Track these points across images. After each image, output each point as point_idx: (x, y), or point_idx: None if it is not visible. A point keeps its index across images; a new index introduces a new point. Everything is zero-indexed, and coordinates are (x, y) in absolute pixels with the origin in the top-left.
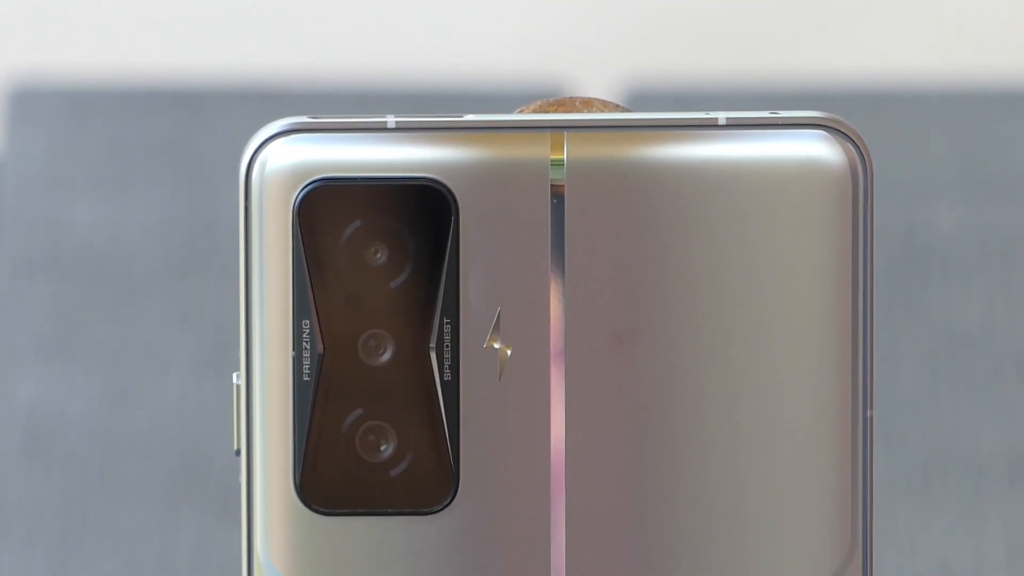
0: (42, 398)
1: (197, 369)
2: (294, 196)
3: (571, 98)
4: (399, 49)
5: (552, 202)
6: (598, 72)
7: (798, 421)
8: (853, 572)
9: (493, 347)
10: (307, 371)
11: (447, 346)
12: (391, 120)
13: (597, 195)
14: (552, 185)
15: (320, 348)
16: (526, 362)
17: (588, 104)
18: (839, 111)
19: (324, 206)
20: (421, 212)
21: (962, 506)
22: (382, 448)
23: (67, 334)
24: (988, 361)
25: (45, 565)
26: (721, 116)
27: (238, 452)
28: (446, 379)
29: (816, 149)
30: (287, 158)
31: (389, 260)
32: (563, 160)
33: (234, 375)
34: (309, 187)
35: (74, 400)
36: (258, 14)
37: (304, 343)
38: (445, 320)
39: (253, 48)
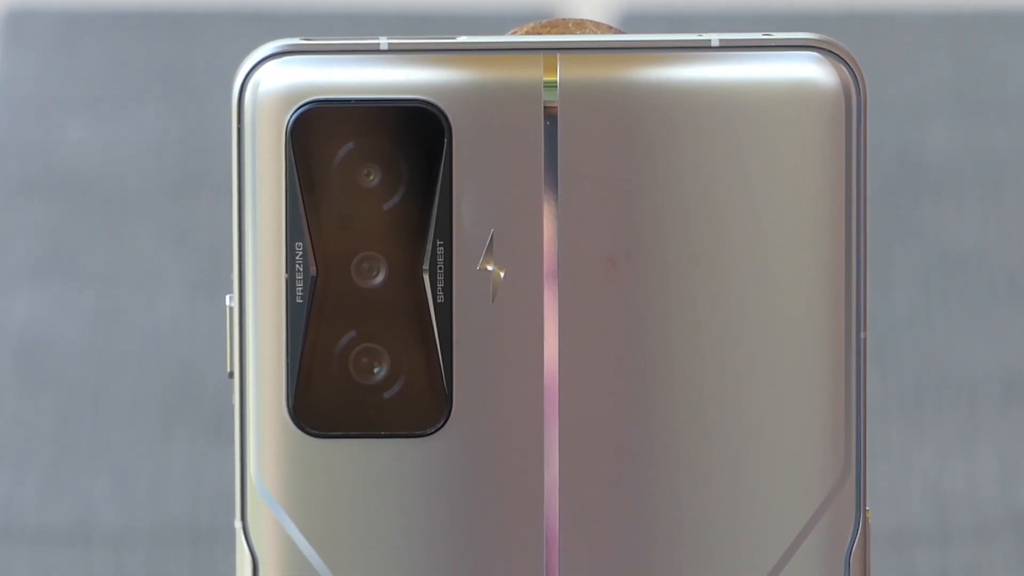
0: (34, 319)
1: (190, 290)
2: (287, 118)
3: (564, 20)
4: None
5: (545, 124)
6: None
7: (791, 343)
8: (846, 494)
9: (486, 269)
10: (300, 293)
11: (440, 268)
12: (384, 42)
13: (590, 117)
14: (545, 107)
15: (313, 270)
16: (519, 284)
17: (581, 26)
18: (832, 32)
19: (317, 128)
20: (414, 134)
21: (955, 426)
22: (375, 370)
23: (60, 255)
24: (981, 281)
25: (37, 487)
26: (714, 38)
27: (231, 374)
28: (439, 301)
29: (809, 70)
30: (280, 80)
31: (382, 182)
32: (556, 82)
33: (227, 297)
34: (302, 109)
35: (66, 321)
36: None
37: (297, 265)
38: (438, 242)
39: None
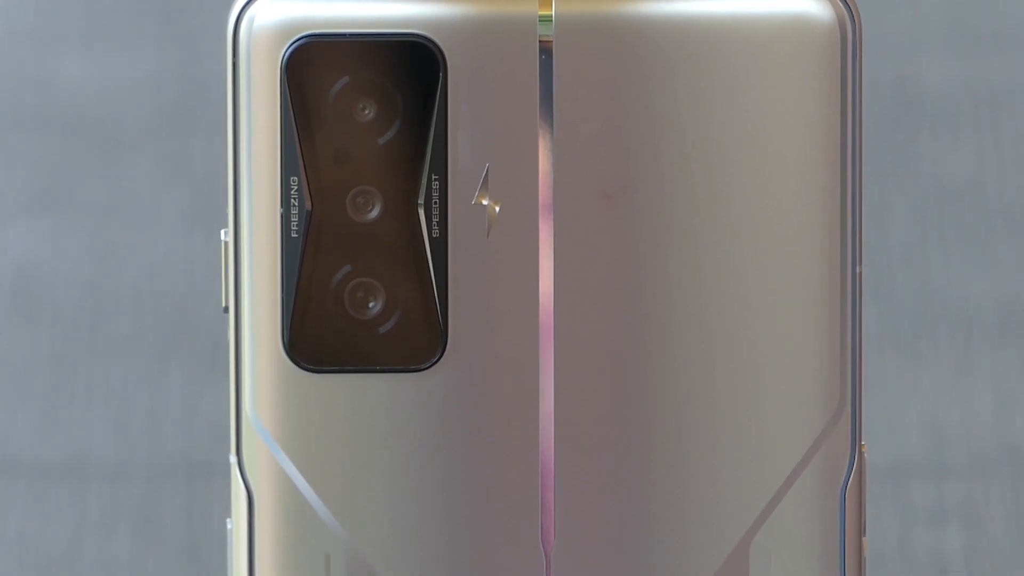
0: (30, 253)
1: (185, 224)
2: (282, 53)
3: None
4: None
5: (540, 58)
6: None
7: (786, 278)
8: (842, 428)
9: (481, 203)
10: (295, 228)
11: (435, 203)
12: None
13: (585, 50)
14: (540, 41)
15: (308, 205)
16: (514, 218)
17: None
18: None
19: (312, 62)
20: (409, 68)
21: (951, 360)
22: (370, 305)
23: (55, 189)
24: (977, 215)
25: (33, 421)
26: None
27: (226, 309)
28: (434, 236)
29: (805, 4)
30: (275, 15)
31: (377, 116)
32: (551, 16)
33: (222, 232)
34: (297, 43)
35: (62, 256)
36: None
37: (292, 200)
38: (433, 177)
39: None
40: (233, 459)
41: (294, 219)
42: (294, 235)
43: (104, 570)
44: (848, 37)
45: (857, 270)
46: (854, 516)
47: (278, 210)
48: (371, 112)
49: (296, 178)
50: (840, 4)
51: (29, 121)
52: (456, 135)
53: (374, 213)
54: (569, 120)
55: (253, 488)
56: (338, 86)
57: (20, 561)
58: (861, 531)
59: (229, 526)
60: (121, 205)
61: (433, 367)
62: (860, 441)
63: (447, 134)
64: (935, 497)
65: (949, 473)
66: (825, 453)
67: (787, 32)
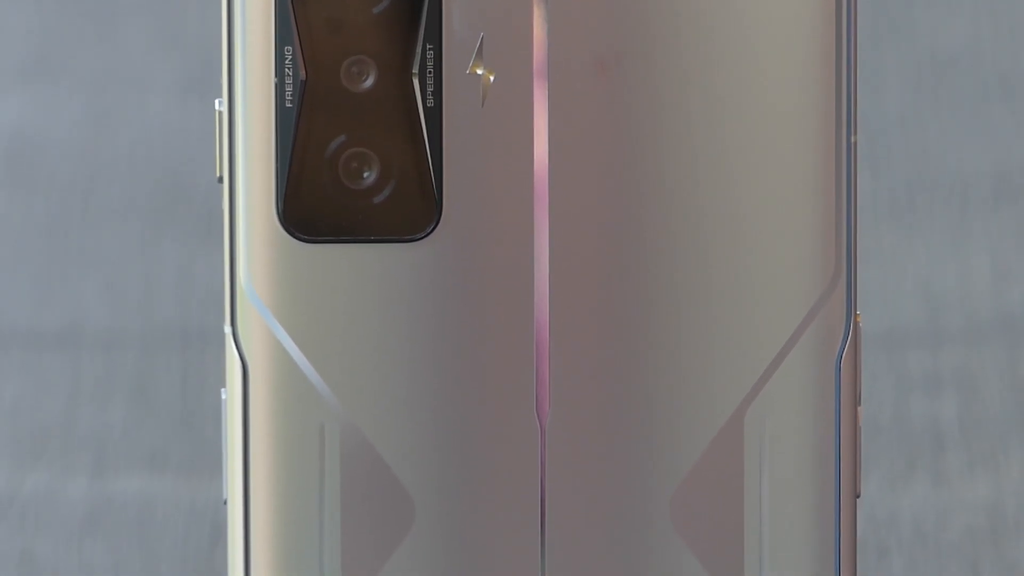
0: (24, 121)
1: (180, 92)
2: None
3: None
4: None
5: None
6: None
7: (781, 148)
8: (837, 298)
9: (476, 72)
10: (289, 98)
11: (430, 72)
12: None
13: None
14: None
15: (303, 74)
16: (509, 87)
17: None
18: None
19: None
20: None
21: (947, 227)
22: (365, 175)
23: (49, 56)
24: (973, 82)
25: (28, 289)
26: None
27: (220, 179)
28: (429, 105)
29: None
30: None
31: None
32: None
33: (216, 102)
34: None
35: (56, 123)
36: None
37: (286, 69)
38: (428, 46)
39: None
40: (227, 329)
41: (288, 89)
42: (288, 105)
43: (98, 439)
44: None
45: (852, 139)
46: (849, 385)
47: (272, 79)
48: None
49: (290, 47)
50: None
51: None
52: (450, 3)
53: (368, 82)
54: None
55: (247, 358)
56: None
57: (15, 430)
58: (856, 400)
59: (223, 396)
60: (116, 72)
61: (428, 237)
62: (855, 310)
63: (441, 2)
64: (930, 365)
65: (944, 341)
66: (820, 322)
67: None
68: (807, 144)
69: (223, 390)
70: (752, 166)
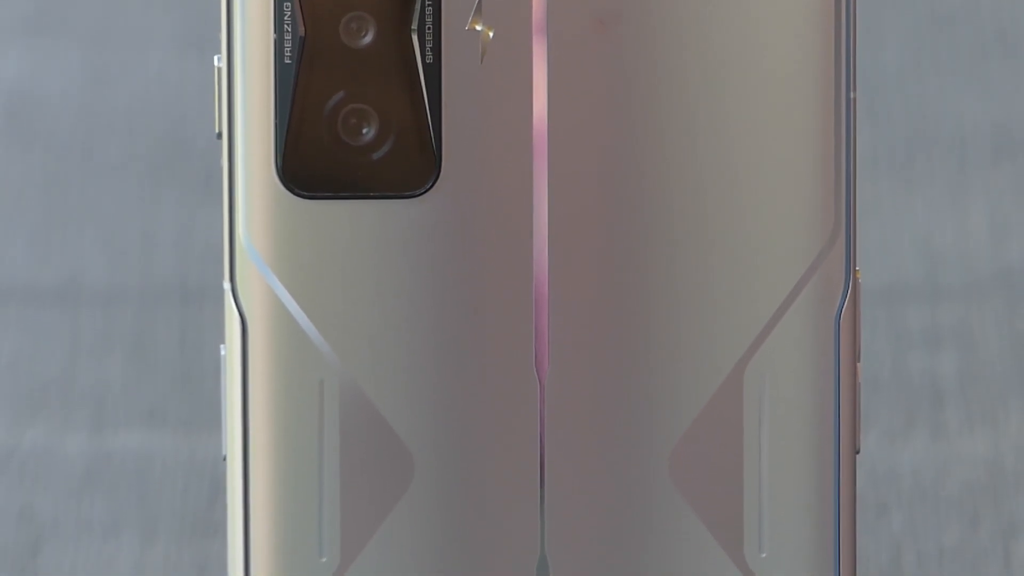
0: (23, 76)
1: (179, 47)
2: None
3: None
4: None
5: None
6: None
7: (781, 104)
8: (837, 252)
9: (475, 28)
10: (288, 54)
11: (429, 28)
12: None
13: None
14: None
15: (301, 30)
16: (508, 43)
17: None
18: None
19: None
20: None
21: (946, 183)
22: (364, 131)
23: (48, 11)
24: (972, 37)
25: (26, 246)
26: None
27: (219, 135)
28: (428, 61)
29: None
30: None
31: None
32: None
33: (215, 58)
34: None
35: (55, 78)
36: None
37: (285, 25)
38: (427, 2)
39: None
40: (226, 285)
41: (287, 45)
42: (287, 61)
43: (97, 395)
44: None
45: (851, 95)
46: (848, 341)
47: (271, 35)
48: None
49: (289, 3)
50: None
51: None
52: None
53: (367, 39)
54: None
55: (246, 314)
56: None
57: (14, 385)
58: (855, 356)
59: (222, 352)
60: (115, 27)
61: (426, 193)
62: (855, 266)
63: None
64: (929, 321)
65: (943, 297)
66: (820, 278)
67: None
68: (807, 101)
69: (222, 346)
70: (751, 122)
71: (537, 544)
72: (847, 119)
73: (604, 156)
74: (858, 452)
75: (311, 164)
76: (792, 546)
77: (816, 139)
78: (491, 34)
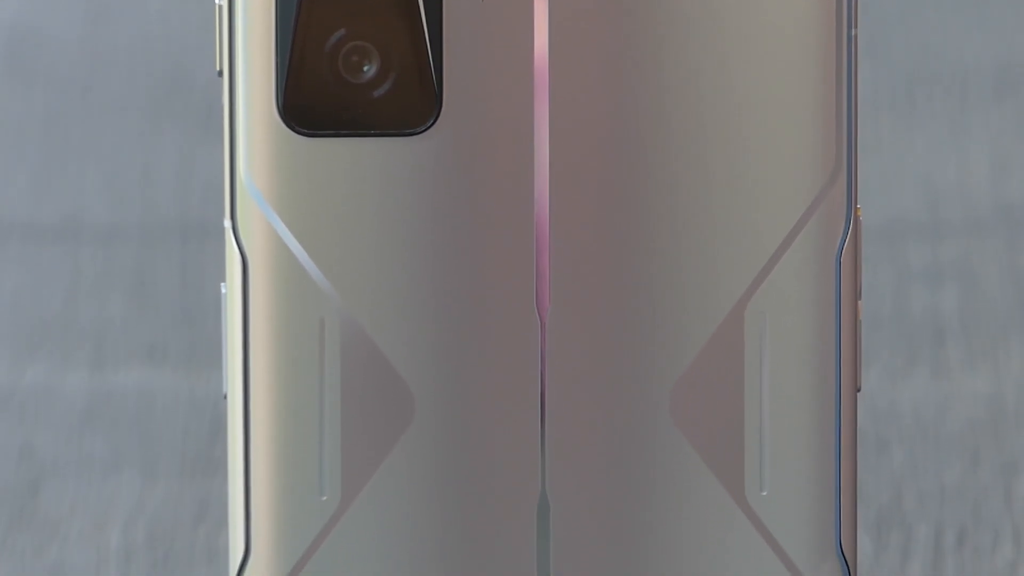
0: (23, 14)
1: None
2: None
3: None
4: None
5: None
6: None
7: (782, 42)
8: (838, 191)
9: None
10: None
11: None
12: None
13: None
14: None
15: None
16: None
17: None
18: None
19: None
20: None
21: (947, 121)
22: (365, 68)
23: None
24: None
25: (27, 183)
26: None
27: (220, 73)
28: None
29: None
30: None
31: None
32: None
33: None
34: None
35: (56, 16)
36: None
37: None
38: None
39: None
40: (227, 223)
41: None
42: None
43: (97, 333)
44: None
45: (852, 32)
46: (849, 279)
47: None
48: None
49: None
50: None
51: None
52: None
53: None
54: None
55: (247, 252)
56: None
57: (15, 322)
58: (856, 294)
59: (223, 290)
60: None
61: (428, 130)
62: (855, 204)
63: None
64: (930, 257)
65: (944, 233)
66: (820, 216)
67: None
68: (808, 38)
69: (223, 284)
70: (752, 60)
71: (538, 483)
72: (848, 56)
73: (605, 93)
74: (859, 390)
75: (312, 102)
76: (793, 484)
77: (817, 76)
78: None
